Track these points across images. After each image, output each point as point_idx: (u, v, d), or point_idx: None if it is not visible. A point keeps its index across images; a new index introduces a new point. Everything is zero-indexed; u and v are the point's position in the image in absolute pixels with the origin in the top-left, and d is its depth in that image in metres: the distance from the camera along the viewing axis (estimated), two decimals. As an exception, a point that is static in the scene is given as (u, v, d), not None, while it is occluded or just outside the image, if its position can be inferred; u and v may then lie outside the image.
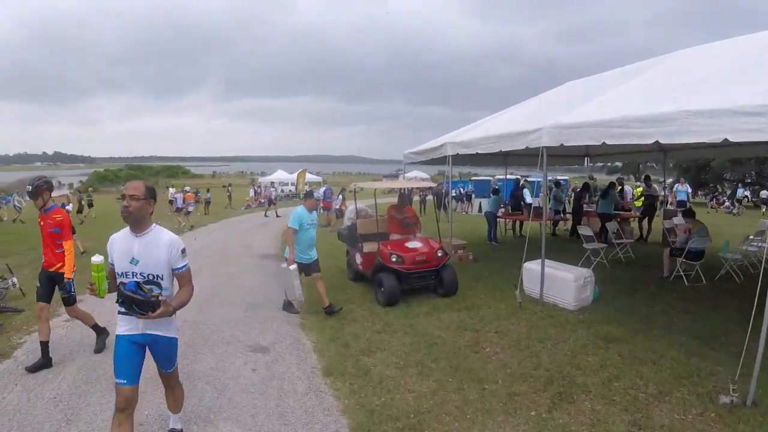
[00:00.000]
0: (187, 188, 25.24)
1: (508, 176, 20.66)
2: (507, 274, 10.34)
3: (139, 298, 3.53)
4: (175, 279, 3.90)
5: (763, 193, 33.56)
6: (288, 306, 8.47)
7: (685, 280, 9.65)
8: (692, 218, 10.25)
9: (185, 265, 3.86)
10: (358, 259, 9.90)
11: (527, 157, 16.00)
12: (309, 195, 8.52)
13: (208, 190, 33.32)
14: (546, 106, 10.42)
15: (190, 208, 22.75)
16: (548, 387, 5.38)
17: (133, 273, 3.70)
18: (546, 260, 8.43)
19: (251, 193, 40.30)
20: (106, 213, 27.84)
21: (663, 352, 6.18)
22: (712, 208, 34.07)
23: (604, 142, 6.80)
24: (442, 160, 12.26)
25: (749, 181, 40.60)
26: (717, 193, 41.12)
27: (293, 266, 7.93)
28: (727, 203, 34.46)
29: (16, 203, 28.11)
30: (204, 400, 5.22)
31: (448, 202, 21.19)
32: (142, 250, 3.71)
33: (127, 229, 3.78)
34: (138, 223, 3.72)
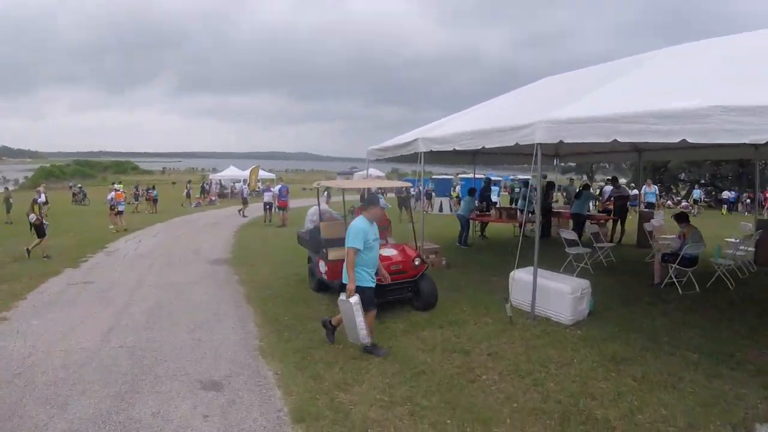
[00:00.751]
0: (117, 186, 23.21)
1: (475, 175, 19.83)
2: (487, 282, 9.55)
3: None
4: None
5: (725, 194, 33.89)
6: (374, 348, 6.34)
7: (679, 288, 9.07)
8: (686, 223, 9.54)
9: None
10: (323, 267, 8.79)
11: (496, 155, 15.29)
12: (373, 201, 6.46)
13: (153, 187, 31.61)
14: (531, 101, 9.79)
15: (120, 208, 20.95)
16: (566, 426, 4.56)
17: None
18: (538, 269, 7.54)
19: (185, 192, 37.52)
20: (56, 211, 25.82)
21: (679, 374, 5.57)
22: (668, 207, 34.20)
23: (615, 140, 6.11)
24: (411, 158, 11.32)
25: (703, 182, 41.22)
26: (672, 194, 41.76)
27: (355, 298, 5.99)
28: (684, 203, 34.63)
29: None
30: (142, 463, 4.05)
31: (416, 201, 20.27)
32: None
33: None
34: None
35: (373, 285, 6.33)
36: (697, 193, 36.76)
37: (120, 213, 20.70)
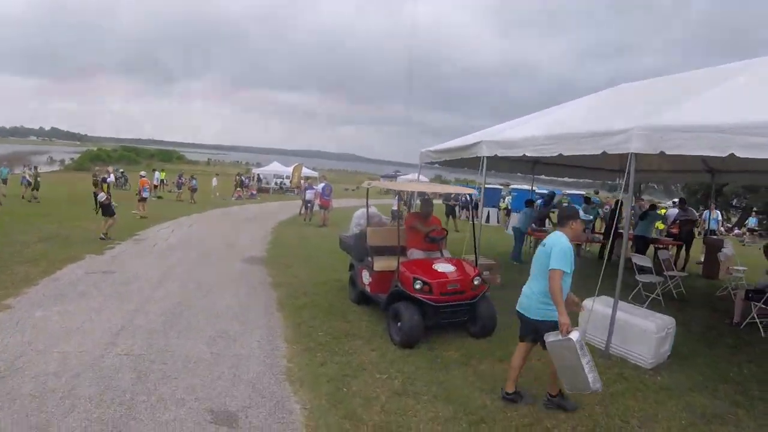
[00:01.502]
0: (143, 173, 23.01)
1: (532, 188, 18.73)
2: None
3: None
4: None
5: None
6: (561, 400, 5.12)
7: (761, 330, 8.07)
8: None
9: None
10: (366, 278, 7.85)
11: (557, 167, 14.15)
12: (572, 215, 5.05)
13: (193, 177, 31.06)
14: (616, 106, 8.68)
15: (144, 195, 20.47)
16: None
17: None
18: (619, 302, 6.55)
19: (214, 182, 36.87)
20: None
21: (779, 439, 4.74)
22: (722, 234, 32.55)
23: (731, 154, 5.12)
24: (471, 162, 10.31)
25: (755, 209, 39.26)
26: (724, 220, 39.72)
27: (575, 334, 4.50)
28: (736, 230, 32.87)
29: (26, 177, 24.05)
30: None
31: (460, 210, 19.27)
32: None
33: None
34: None
35: (553, 320, 4.74)
36: (753, 221, 34.87)
37: (143, 200, 20.30)
